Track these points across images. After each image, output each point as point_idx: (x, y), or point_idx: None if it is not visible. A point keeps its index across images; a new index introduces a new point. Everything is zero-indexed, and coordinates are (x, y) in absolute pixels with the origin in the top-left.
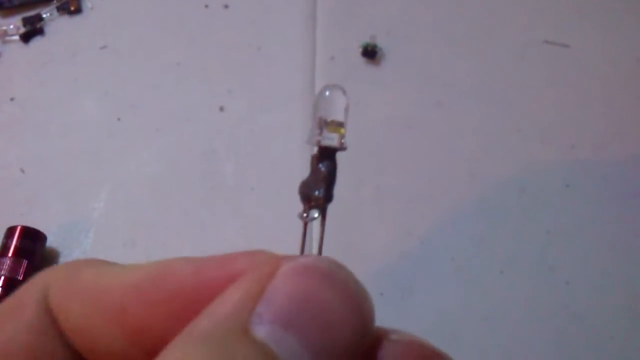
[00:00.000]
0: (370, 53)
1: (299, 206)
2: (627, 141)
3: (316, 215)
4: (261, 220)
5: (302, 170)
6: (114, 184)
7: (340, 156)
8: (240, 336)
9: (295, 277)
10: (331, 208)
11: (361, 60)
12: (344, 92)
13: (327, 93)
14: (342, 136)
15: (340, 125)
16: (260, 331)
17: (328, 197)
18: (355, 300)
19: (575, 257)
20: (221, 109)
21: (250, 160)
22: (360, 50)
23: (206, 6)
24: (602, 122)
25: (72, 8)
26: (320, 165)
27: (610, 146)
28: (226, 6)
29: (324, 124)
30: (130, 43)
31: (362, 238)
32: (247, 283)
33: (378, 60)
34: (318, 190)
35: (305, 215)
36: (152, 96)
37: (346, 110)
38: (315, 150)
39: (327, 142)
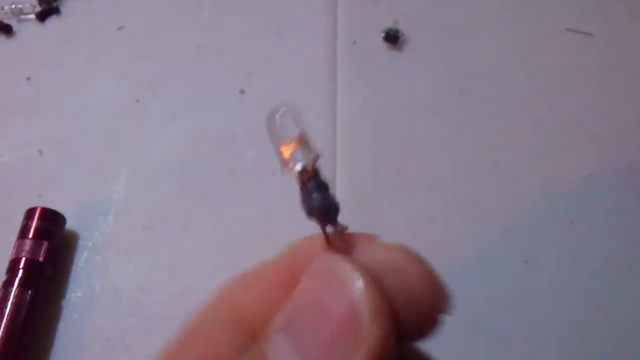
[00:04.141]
0: (393, 38)
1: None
2: None
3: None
4: (281, 206)
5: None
6: (133, 167)
7: (363, 143)
8: (255, 345)
9: (311, 284)
10: (353, 194)
11: (383, 45)
12: (285, 109)
13: (277, 118)
14: (307, 148)
15: (301, 140)
16: (267, 337)
17: (334, 213)
18: (359, 309)
19: (599, 248)
20: (241, 92)
21: (271, 145)
22: (383, 35)
23: None
24: (625, 111)
25: None
26: (312, 194)
27: (633, 136)
28: None
29: (290, 145)
30: (148, 24)
31: (383, 225)
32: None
33: (400, 45)
34: (323, 214)
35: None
36: (171, 78)
37: (297, 120)
38: (296, 177)
39: (299, 166)
